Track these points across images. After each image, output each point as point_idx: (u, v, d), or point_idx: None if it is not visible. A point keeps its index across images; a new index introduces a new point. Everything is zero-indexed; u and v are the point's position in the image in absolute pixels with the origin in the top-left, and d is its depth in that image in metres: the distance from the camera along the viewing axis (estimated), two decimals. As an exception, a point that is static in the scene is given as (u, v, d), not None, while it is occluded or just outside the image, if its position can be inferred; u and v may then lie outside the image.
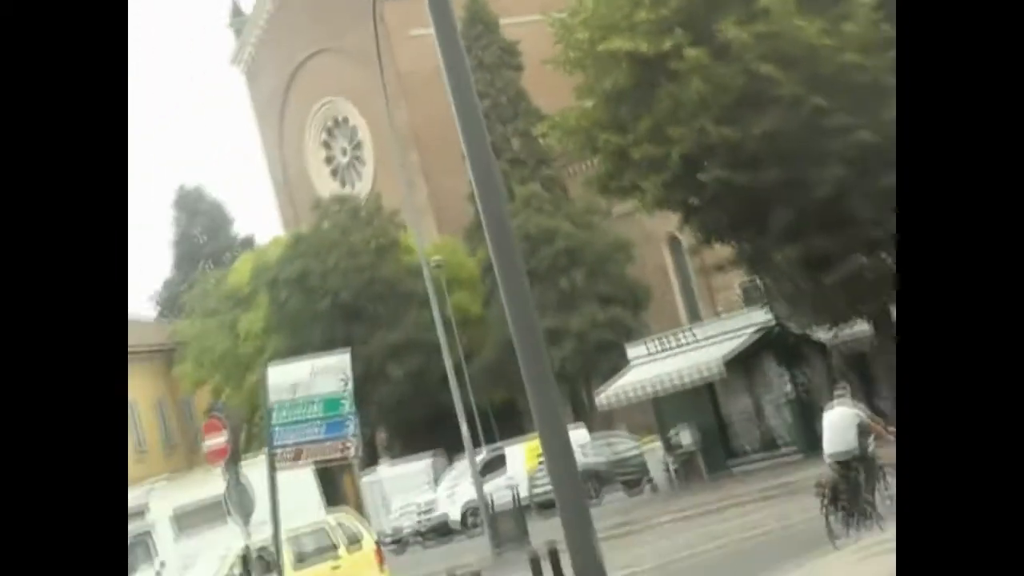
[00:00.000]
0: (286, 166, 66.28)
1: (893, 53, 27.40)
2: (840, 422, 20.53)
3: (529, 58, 50.18)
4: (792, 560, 18.60)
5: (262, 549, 25.95)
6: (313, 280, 50.33)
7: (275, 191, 67.70)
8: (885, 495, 20.22)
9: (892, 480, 19.25)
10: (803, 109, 26.83)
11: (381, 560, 29.24)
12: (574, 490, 12.83)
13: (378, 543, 32.41)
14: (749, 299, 41.75)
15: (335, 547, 25.12)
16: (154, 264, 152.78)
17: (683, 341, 39.74)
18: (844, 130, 26.77)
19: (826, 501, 20.05)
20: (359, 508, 44.13)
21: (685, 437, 43.08)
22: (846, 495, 20.06)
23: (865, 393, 39.27)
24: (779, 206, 28.47)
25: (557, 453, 12.73)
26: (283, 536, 25.15)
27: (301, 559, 25.27)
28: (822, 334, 34.80)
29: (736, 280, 44.03)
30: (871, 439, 20.58)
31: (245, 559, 26.50)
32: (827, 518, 19.91)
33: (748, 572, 17.28)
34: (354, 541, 24.38)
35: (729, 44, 28.34)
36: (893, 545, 18.81)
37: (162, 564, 32.98)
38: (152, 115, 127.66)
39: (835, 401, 21.94)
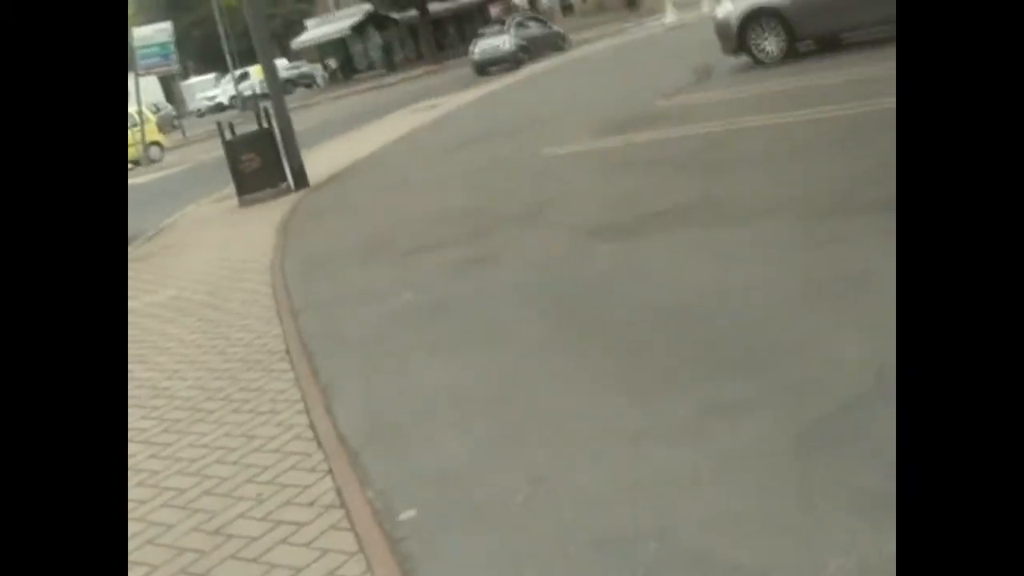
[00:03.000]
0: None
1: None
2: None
3: None
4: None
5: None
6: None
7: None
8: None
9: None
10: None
11: (159, 129, 29.52)
12: (277, 88, 13.44)
13: (162, 119, 33.79)
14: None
15: (145, 121, 26.12)
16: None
17: (332, 19, 48.63)
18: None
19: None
20: (181, 100, 49.25)
21: (332, 63, 49.76)
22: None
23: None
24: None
25: (270, 71, 13.50)
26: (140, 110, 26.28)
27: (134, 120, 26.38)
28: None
29: None
30: None
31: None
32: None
33: (409, 101, 21.70)
34: (148, 122, 26.69)
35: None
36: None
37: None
38: None
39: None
